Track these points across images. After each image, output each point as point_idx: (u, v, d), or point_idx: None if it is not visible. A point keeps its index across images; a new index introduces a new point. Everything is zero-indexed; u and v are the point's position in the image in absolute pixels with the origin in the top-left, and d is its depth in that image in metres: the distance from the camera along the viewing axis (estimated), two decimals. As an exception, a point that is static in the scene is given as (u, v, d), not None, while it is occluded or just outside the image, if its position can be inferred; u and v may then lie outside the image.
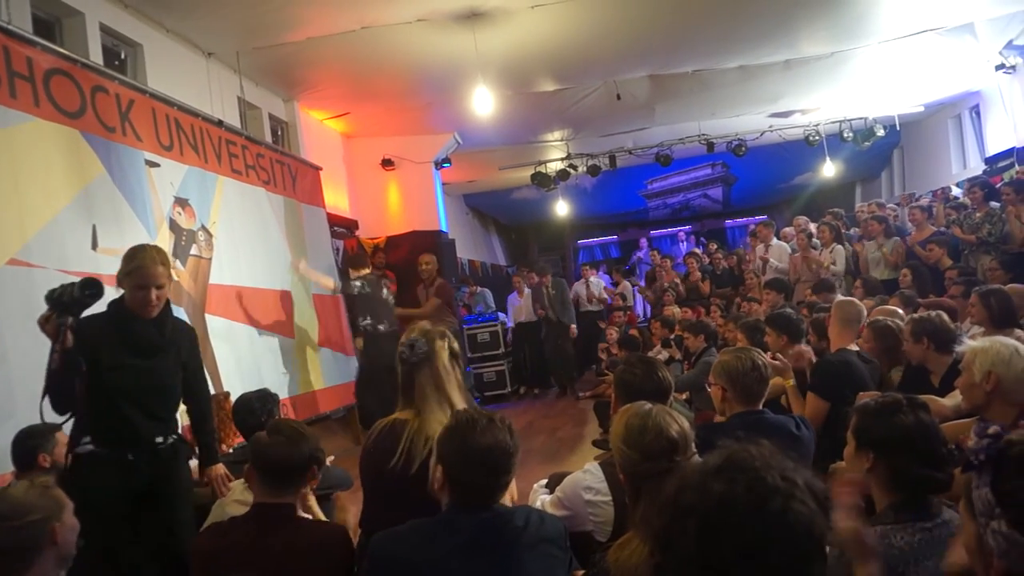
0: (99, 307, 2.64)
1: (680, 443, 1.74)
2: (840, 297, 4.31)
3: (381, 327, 6.41)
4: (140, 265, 2.74)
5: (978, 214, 6.61)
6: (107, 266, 4.02)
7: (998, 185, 7.05)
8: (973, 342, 2.48)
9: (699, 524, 0.92)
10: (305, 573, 1.97)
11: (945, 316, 3.38)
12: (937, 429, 1.78)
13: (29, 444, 2.95)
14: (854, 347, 3.58)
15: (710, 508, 0.92)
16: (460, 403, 2.24)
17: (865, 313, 3.78)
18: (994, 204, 6.68)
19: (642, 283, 11.18)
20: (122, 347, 2.74)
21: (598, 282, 10.79)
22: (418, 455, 2.12)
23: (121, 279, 2.76)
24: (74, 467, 2.67)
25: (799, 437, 2.61)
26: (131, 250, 2.81)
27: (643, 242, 16.29)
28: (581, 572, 1.90)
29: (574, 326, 9.49)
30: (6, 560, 1.79)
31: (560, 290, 9.45)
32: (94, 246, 3.99)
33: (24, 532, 1.79)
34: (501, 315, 10.31)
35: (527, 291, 9.95)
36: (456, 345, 2.38)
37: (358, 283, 6.43)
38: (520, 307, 10.08)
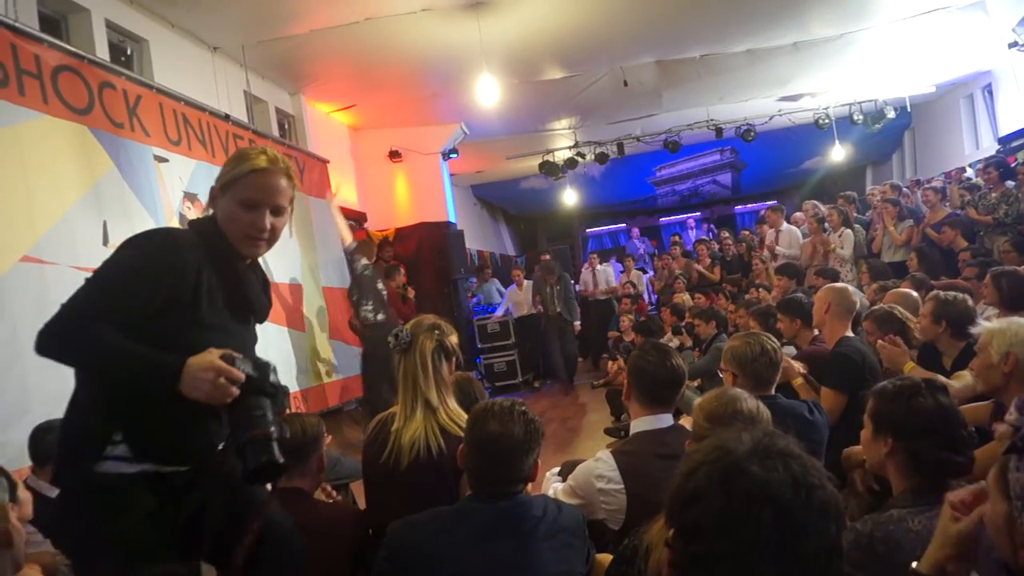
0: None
1: (747, 417, 1.81)
2: (834, 284, 4.16)
3: (379, 316, 6.34)
4: (255, 168, 1.76)
5: (994, 194, 6.54)
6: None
7: (1013, 164, 6.98)
8: (988, 323, 2.44)
9: (737, 513, 0.89)
10: (317, 549, 2.06)
11: (970, 301, 3.33)
12: (957, 412, 1.76)
13: (47, 440, 2.97)
14: (850, 333, 3.53)
15: (757, 497, 0.89)
16: (436, 401, 2.21)
17: (861, 301, 3.70)
18: (1010, 184, 6.61)
19: (651, 272, 11.14)
20: (221, 298, 1.76)
21: (605, 270, 10.72)
22: (405, 453, 2.14)
23: (219, 191, 1.80)
24: (93, 493, 1.63)
25: (813, 422, 2.59)
26: (241, 150, 1.89)
27: (635, 231, 16.22)
28: (601, 556, 1.90)
29: (577, 324, 9.48)
30: None
31: (564, 286, 9.35)
32: (105, 242, 4.01)
33: None
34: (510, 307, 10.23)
35: (527, 283, 9.81)
36: (452, 340, 2.33)
37: (363, 263, 6.30)
38: (520, 301, 9.85)
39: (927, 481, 1.68)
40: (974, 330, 2.53)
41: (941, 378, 2.91)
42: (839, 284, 3.97)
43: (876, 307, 3.85)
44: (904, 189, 8.90)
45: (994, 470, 1.25)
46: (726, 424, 1.76)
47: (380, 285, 6.43)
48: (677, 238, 11.41)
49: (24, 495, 2.46)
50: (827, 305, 3.57)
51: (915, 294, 4.09)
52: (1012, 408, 1.27)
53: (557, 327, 9.22)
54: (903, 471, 1.71)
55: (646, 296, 11.15)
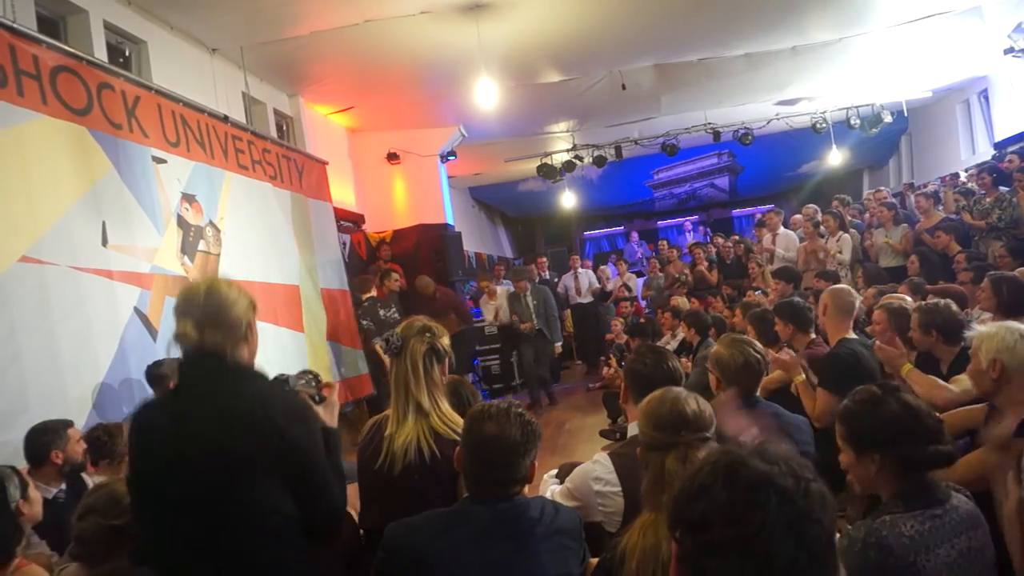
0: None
1: (692, 421, 1.75)
2: (834, 286, 4.16)
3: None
4: None
5: (988, 199, 6.57)
6: (117, 263, 4.06)
7: (1007, 169, 7.01)
8: (981, 328, 2.45)
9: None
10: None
11: (954, 306, 3.33)
12: (919, 405, 1.76)
13: (42, 440, 2.98)
14: (852, 335, 3.55)
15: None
16: (428, 405, 2.21)
17: (858, 302, 3.71)
18: (1004, 189, 6.64)
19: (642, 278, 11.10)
20: None
21: (587, 273, 10.62)
22: (399, 459, 2.15)
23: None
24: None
25: (794, 423, 2.61)
26: None
27: (634, 235, 16.20)
28: (595, 559, 1.91)
29: (559, 344, 8.59)
30: (85, 548, 1.83)
31: (542, 300, 8.37)
32: (104, 243, 4.01)
33: (109, 532, 1.83)
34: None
35: (500, 290, 8.88)
36: (444, 342, 2.32)
37: (364, 322, 6.54)
38: (496, 309, 8.87)
39: (917, 484, 1.68)
40: (967, 334, 2.55)
41: (938, 378, 2.96)
42: (838, 285, 3.97)
43: (890, 301, 3.84)
44: (891, 198, 8.92)
45: (1014, 465, 1.29)
46: (674, 430, 1.74)
47: (382, 313, 6.62)
48: (665, 243, 11.42)
49: (35, 494, 2.47)
50: (824, 307, 3.59)
51: (910, 299, 4.11)
52: None
53: (534, 344, 8.29)
54: (895, 479, 1.71)
55: (640, 300, 11.15)
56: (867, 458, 1.74)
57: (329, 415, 2.00)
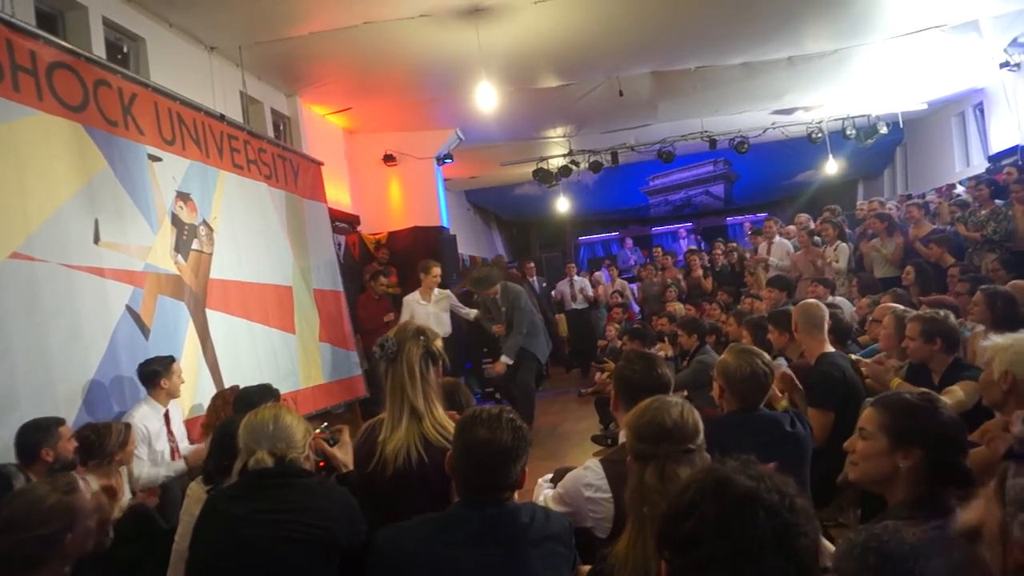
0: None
1: (672, 432, 1.73)
2: (803, 301, 3.98)
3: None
4: None
5: (983, 212, 6.60)
6: (109, 260, 4.04)
7: (1002, 181, 7.04)
8: (996, 338, 2.46)
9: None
10: None
11: (953, 317, 3.37)
12: (962, 423, 1.77)
13: (33, 438, 2.97)
14: (830, 348, 3.54)
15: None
16: (423, 408, 2.23)
17: (827, 314, 3.66)
18: (999, 202, 6.67)
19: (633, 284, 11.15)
20: None
21: (582, 280, 10.72)
22: (390, 463, 2.16)
23: None
24: None
25: (794, 434, 2.60)
26: None
27: (628, 242, 16.25)
28: (586, 568, 1.90)
29: (503, 360, 6.53)
30: (10, 568, 1.76)
31: (509, 303, 6.54)
32: (96, 240, 3.99)
33: (33, 544, 1.76)
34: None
35: (437, 293, 6.98)
36: (438, 344, 2.35)
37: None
38: (423, 316, 6.72)
39: (931, 492, 1.67)
40: (984, 343, 2.56)
41: (930, 390, 2.95)
42: (807, 300, 3.92)
43: (898, 311, 3.84)
44: (891, 204, 8.97)
45: (994, 481, 1.29)
46: (653, 442, 1.73)
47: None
48: (660, 250, 11.50)
49: None
50: (795, 325, 3.57)
51: (900, 307, 4.13)
52: (1019, 422, 1.32)
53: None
54: (915, 482, 1.68)
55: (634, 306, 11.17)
56: (901, 451, 1.70)
57: (344, 454, 2.28)
